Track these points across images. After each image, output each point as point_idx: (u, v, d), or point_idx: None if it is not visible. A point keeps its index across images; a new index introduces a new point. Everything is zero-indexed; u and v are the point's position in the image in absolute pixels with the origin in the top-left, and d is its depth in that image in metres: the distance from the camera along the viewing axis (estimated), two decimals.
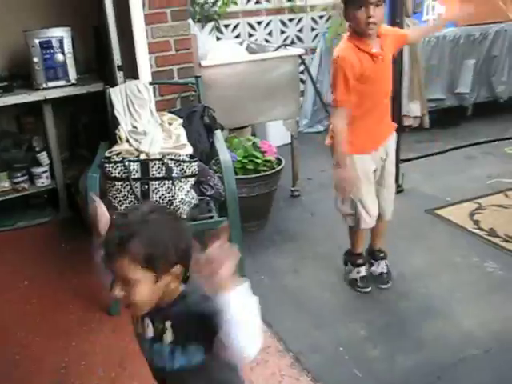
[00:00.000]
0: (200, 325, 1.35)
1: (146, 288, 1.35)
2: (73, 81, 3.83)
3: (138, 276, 1.33)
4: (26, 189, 4.03)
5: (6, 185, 4.01)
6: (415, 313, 2.70)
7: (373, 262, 3.03)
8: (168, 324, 1.43)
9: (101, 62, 4.21)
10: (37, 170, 4.03)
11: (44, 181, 4.07)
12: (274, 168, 3.54)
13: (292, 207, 3.97)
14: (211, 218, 2.78)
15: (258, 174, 3.45)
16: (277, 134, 4.75)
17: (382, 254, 3.02)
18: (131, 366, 2.41)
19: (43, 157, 4.05)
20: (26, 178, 4.02)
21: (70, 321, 2.84)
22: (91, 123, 4.32)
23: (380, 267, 3.00)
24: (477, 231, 3.42)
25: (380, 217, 2.87)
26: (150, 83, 3.22)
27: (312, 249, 3.35)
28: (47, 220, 4.07)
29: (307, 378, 2.30)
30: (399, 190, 4.05)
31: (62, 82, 3.80)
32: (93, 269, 1.54)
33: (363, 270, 2.97)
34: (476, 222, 3.53)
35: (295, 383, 2.28)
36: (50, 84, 3.76)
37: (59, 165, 4.04)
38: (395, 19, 3.82)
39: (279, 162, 3.62)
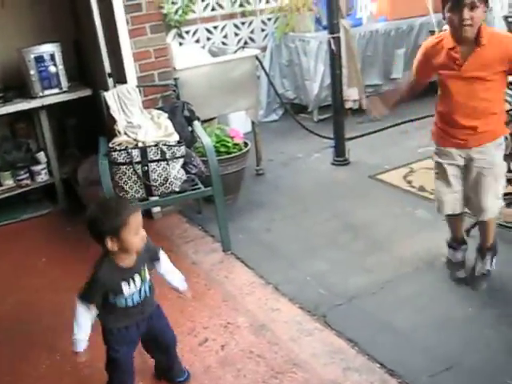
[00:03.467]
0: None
1: None
2: (65, 88, 4.47)
3: None
4: (28, 185, 4.65)
5: (11, 182, 4.61)
6: (363, 248, 3.50)
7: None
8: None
9: (83, 71, 4.87)
10: (36, 168, 4.65)
11: (43, 177, 4.69)
12: (242, 150, 4.27)
13: (258, 183, 4.73)
14: (199, 189, 3.51)
15: (230, 156, 4.17)
16: (238, 125, 5.46)
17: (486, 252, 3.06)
18: None
19: (41, 156, 4.68)
20: (27, 175, 4.64)
21: None
22: (78, 125, 4.98)
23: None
24: (409, 188, 4.25)
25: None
26: (137, 86, 3.91)
27: (279, 213, 4.11)
28: (47, 212, 4.69)
29: (285, 299, 3.07)
30: (346, 162, 4.87)
31: (56, 90, 4.43)
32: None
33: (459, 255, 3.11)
34: (409, 182, 4.36)
35: (277, 303, 3.04)
36: (46, 92, 4.39)
37: (55, 162, 4.68)
38: (333, 21, 4.61)
39: (246, 144, 4.35)
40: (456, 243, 3.12)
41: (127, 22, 3.85)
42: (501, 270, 3.04)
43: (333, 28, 4.67)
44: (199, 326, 2.92)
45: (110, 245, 2.13)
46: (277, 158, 5.23)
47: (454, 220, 3.06)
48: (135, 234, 2.14)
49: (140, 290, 2.28)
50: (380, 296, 3.01)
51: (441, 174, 2.90)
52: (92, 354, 2.41)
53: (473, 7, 2.47)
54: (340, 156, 4.91)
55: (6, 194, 4.59)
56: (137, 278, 2.26)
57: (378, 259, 3.35)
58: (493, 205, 2.83)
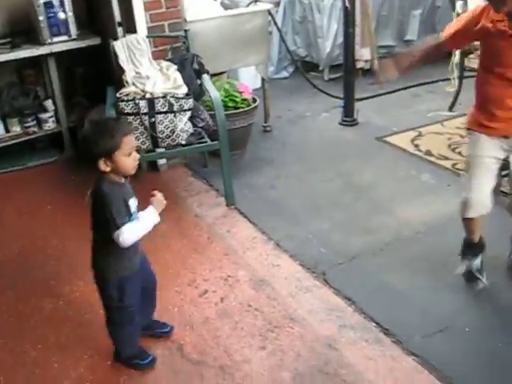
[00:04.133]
0: None
1: None
2: (74, 36, 4.42)
3: None
4: (35, 132, 4.65)
5: (18, 129, 4.61)
6: (366, 209, 3.52)
7: None
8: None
9: (92, 19, 4.81)
10: (44, 116, 4.65)
11: (50, 125, 4.69)
12: (250, 105, 4.25)
13: (265, 140, 4.72)
14: (205, 142, 3.51)
15: (238, 111, 4.15)
16: (247, 80, 5.41)
17: None
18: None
19: (49, 104, 4.68)
20: (34, 122, 4.63)
21: None
22: (86, 74, 4.95)
23: None
24: (416, 152, 4.23)
25: None
26: (147, 36, 3.87)
27: (285, 170, 4.12)
28: (53, 160, 4.71)
29: (286, 255, 3.11)
30: (354, 122, 4.85)
31: (65, 37, 4.38)
32: None
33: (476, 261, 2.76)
34: (416, 146, 4.34)
35: (277, 259, 3.08)
36: (55, 39, 4.35)
37: (63, 111, 4.67)
38: None
39: (254, 100, 4.33)
40: (474, 249, 2.76)
41: None
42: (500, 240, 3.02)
43: None
44: (200, 278, 2.96)
45: (103, 166, 2.13)
46: (285, 115, 5.20)
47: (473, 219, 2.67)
48: (128, 156, 2.15)
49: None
50: (380, 257, 3.04)
51: (474, 167, 2.56)
52: (92, 299, 2.46)
53: None
54: (348, 116, 4.88)
55: (13, 141, 4.59)
56: (133, 197, 2.25)
57: (380, 221, 3.36)
58: None
